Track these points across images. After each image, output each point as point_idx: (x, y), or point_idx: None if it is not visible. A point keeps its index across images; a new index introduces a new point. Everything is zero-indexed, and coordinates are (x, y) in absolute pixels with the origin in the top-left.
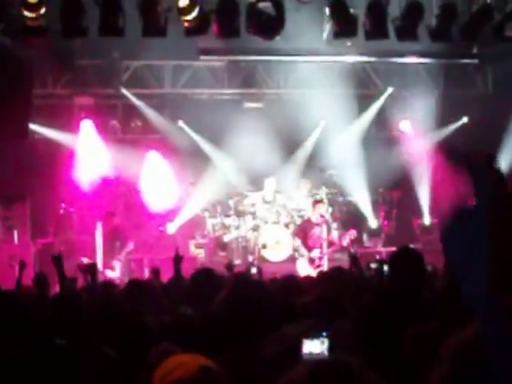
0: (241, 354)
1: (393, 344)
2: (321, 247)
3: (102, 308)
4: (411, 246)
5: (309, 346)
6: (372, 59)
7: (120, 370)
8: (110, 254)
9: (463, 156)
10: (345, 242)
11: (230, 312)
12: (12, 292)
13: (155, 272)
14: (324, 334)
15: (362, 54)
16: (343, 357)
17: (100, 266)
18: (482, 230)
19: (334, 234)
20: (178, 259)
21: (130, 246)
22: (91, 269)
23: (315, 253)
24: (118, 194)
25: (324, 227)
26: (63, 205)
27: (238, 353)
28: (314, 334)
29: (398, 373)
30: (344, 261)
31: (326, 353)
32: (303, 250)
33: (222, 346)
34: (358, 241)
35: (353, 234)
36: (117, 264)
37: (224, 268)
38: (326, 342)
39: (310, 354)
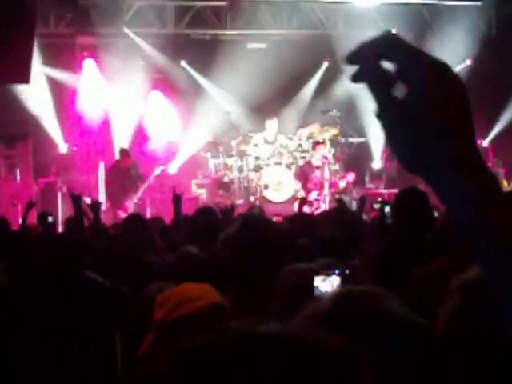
0: (249, 291)
1: (402, 282)
2: (320, 189)
3: (104, 249)
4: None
5: (320, 283)
6: (375, 1)
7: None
8: (122, 194)
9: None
10: (342, 185)
11: (238, 249)
12: (19, 231)
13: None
14: (336, 272)
15: None
16: (367, 286)
17: (110, 205)
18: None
19: (337, 175)
20: (177, 199)
21: (146, 184)
22: (95, 207)
23: (313, 195)
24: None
25: (326, 168)
26: (66, 144)
27: (246, 289)
28: (325, 272)
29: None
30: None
31: None
32: (302, 193)
33: (228, 283)
34: (360, 182)
35: (351, 176)
36: (130, 205)
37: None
38: (338, 280)
39: (322, 291)
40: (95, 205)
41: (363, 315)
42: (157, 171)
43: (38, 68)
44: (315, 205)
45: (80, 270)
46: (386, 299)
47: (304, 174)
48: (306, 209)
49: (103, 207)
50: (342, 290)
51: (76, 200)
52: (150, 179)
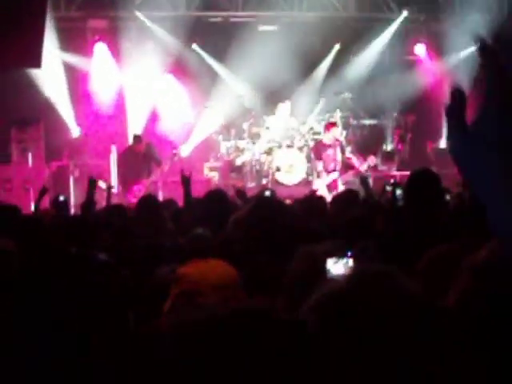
0: (260, 273)
1: (412, 264)
2: (335, 169)
3: (117, 230)
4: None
5: (333, 265)
6: None
7: (133, 289)
8: (133, 178)
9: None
10: (363, 168)
11: (249, 231)
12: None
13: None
14: (349, 254)
15: None
16: (381, 266)
17: (121, 189)
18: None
19: (356, 158)
20: (185, 180)
21: (160, 169)
22: (108, 190)
23: (334, 175)
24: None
25: (338, 149)
26: (79, 128)
27: (257, 271)
28: (338, 254)
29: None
30: (356, 184)
31: None
32: (324, 174)
33: (239, 265)
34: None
35: (372, 160)
36: (142, 189)
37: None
38: (351, 262)
39: (334, 273)
40: (109, 189)
41: (378, 293)
42: (173, 159)
43: (54, 52)
44: (333, 186)
45: (91, 251)
46: (401, 278)
47: (319, 153)
48: (324, 189)
49: (115, 191)
50: (355, 270)
51: (92, 184)
52: (163, 166)
